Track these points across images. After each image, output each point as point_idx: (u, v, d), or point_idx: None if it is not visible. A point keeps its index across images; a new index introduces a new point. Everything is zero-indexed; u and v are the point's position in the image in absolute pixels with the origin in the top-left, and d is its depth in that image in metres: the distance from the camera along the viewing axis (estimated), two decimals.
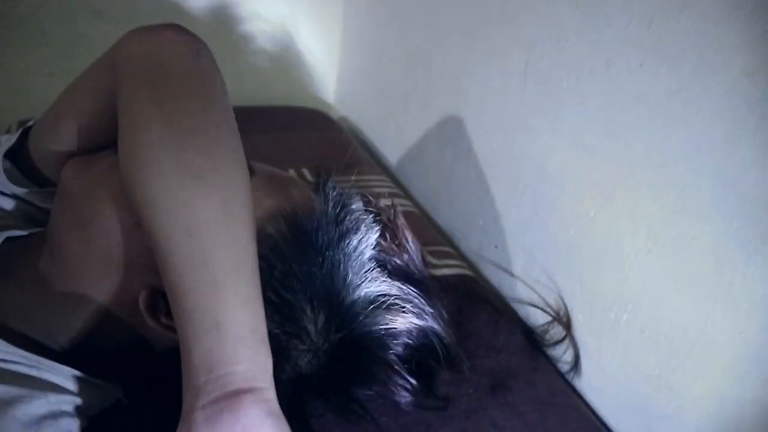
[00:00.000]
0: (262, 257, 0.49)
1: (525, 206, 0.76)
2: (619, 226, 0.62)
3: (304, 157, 1.03)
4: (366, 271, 0.56)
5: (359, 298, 0.55)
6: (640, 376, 0.60)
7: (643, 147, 0.58)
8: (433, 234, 0.93)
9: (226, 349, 0.41)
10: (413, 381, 0.58)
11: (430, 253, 0.83)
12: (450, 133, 0.94)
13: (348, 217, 0.57)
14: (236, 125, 0.49)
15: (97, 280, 0.51)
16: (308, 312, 0.52)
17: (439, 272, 0.80)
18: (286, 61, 1.40)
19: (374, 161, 1.19)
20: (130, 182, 0.45)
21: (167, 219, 0.43)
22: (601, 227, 0.64)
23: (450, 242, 0.94)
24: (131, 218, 0.49)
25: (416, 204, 1.04)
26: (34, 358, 0.48)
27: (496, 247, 0.83)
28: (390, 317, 0.57)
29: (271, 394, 0.42)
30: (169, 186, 0.43)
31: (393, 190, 1.02)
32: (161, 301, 0.50)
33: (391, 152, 1.18)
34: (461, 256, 0.90)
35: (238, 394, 0.41)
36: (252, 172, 0.55)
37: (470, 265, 0.87)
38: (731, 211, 0.50)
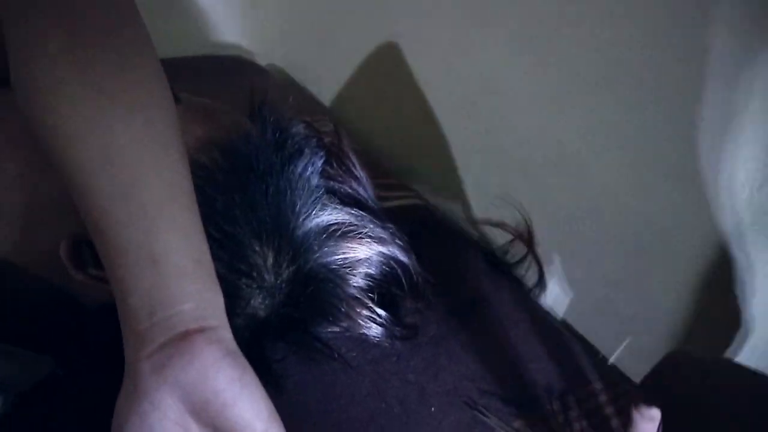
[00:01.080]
0: (197, 190, 0.43)
1: (473, 126, 0.73)
2: (575, 127, 0.59)
3: (235, 105, 0.96)
4: (315, 199, 0.52)
5: (311, 228, 0.51)
6: (607, 281, 0.59)
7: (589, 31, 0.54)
8: (380, 168, 0.89)
9: (167, 286, 0.36)
10: (380, 311, 0.54)
11: (379, 186, 0.79)
12: (386, 62, 0.89)
13: (289, 141, 0.52)
14: (153, 44, 0.43)
15: (6, 238, 0.45)
16: (256, 246, 0.48)
17: (390, 204, 0.76)
18: (196, 8, 1.30)
19: (313, 103, 1.13)
20: (32, 113, 0.38)
21: (82, 148, 0.37)
22: (555, 132, 0.61)
23: (398, 176, 0.90)
24: (39, 159, 0.43)
25: (358, 142, 0.99)
26: None
27: (448, 171, 0.79)
28: (347, 246, 0.53)
29: (226, 332, 0.38)
30: (79, 110, 0.37)
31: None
32: (87, 249, 0.44)
33: (327, 94, 1.12)
34: (411, 188, 0.86)
35: (187, 335, 0.36)
36: (177, 99, 0.49)
37: (421, 196, 0.84)
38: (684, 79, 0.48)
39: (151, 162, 0.38)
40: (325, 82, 1.12)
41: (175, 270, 0.37)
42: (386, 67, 0.89)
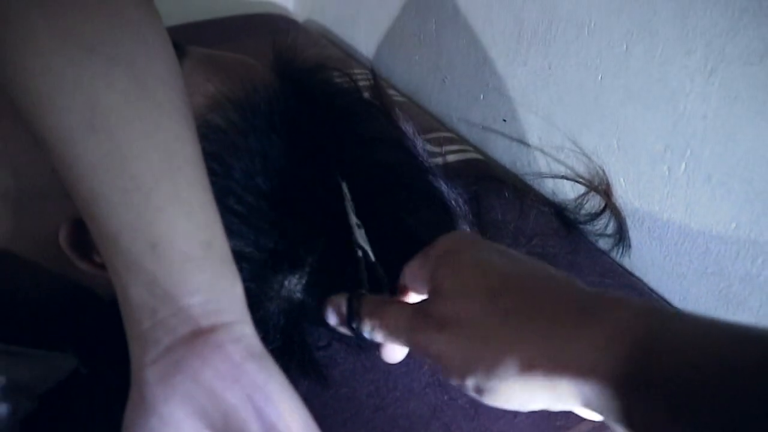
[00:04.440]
0: (212, 157, 0.37)
1: (534, 61, 0.63)
2: (666, 50, 0.48)
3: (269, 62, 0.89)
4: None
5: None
6: (710, 234, 0.49)
7: None
8: (427, 120, 0.80)
9: (170, 276, 0.30)
10: None
11: (429, 141, 0.71)
12: (429, 1, 0.79)
13: (317, 93, 0.44)
14: None
15: (3, 225, 0.39)
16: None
17: (443, 160, 0.67)
18: None
19: (350, 58, 1.04)
20: (2, 78, 0.32)
21: (58, 113, 0.31)
22: (638, 60, 0.51)
23: (449, 128, 0.81)
24: (24, 134, 0.36)
25: (403, 94, 0.90)
26: None
27: (504, 120, 0.70)
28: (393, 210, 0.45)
29: (246, 328, 0.31)
30: (52, 66, 0.31)
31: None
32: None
33: (367, 45, 1.03)
34: (464, 140, 0.77)
35: (197, 335, 0.29)
36: (183, 53, 0.42)
37: (477, 148, 0.75)
38: None
39: (142, 126, 0.31)
40: (365, 34, 1.03)
41: (178, 256, 0.30)
42: (428, 7, 0.79)
